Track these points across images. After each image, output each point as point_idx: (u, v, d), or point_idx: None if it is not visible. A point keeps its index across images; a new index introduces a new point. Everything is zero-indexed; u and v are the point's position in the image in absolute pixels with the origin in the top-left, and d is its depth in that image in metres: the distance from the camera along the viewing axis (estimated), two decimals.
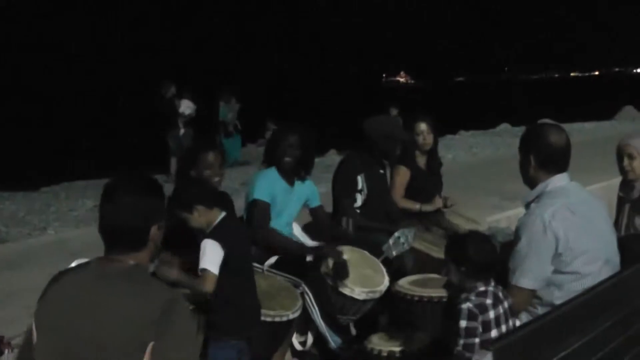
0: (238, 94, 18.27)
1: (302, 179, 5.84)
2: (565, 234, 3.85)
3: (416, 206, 6.61)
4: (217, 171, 5.23)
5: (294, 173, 5.74)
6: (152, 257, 3.04)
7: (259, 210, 5.50)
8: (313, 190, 5.98)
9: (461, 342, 3.65)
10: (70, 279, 2.89)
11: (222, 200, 5.19)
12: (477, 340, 3.60)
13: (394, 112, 18.50)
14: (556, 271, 3.90)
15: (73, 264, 4.41)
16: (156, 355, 2.68)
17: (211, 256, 4.24)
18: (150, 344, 2.67)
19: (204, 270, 4.22)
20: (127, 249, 2.86)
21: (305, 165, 5.82)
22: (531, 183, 4.16)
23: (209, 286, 4.20)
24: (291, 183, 5.73)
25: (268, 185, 5.58)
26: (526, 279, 3.91)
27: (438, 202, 6.70)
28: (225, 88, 18.31)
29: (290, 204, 5.75)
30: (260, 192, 5.53)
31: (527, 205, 4.13)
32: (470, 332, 3.63)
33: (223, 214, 4.47)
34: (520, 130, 19.08)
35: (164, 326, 2.69)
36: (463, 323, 3.65)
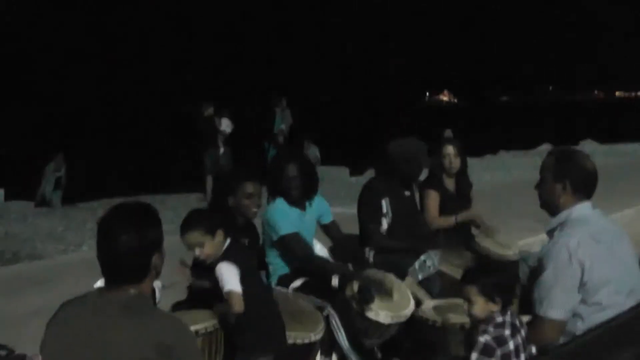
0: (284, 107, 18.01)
1: (311, 200, 5.82)
2: (590, 264, 3.78)
3: (451, 219, 6.58)
4: (256, 201, 5.26)
5: (302, 199, 5.73)
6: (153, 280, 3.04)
7: (295, 243, 5.48)
8: (324, 207, 5.99)
9: None
10: (73, 310, 2.91)
11: (249, 232, 5.22)
12: None
13: (448, 133, 18.42)
14: (580, 302, 3.83)
15: (98, 283, 4.46)
16: None
17: (229, 276, 4.25)
18: None
19: (229, 292, 4.22)
20: (130, 281, 2.87)
21: (311, 189, 5.82)
22: (555, 209, 4.10)
23: (237, 306, 4.20)
24: (303, 208, 5.73)
25: (285, 217, 5.55)
26: (554, 309, 3.83)
27: (472, 211, 6.68)
28: (279, 94, 18.20)
29: (306, 226, 5.73)
30: (285, 227, 5.50)
31: (550, 233, 4.07)
32: None
33: (229, 239, 4.49)
34: None
35: (171, 357, 2.70)
36: (474, 356, 3.60)
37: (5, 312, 6.93)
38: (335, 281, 5.51)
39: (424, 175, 7.04)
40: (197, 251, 4.37)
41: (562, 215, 4.03)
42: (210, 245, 4.38)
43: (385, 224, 6.14)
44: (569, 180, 4.04)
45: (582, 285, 3.79)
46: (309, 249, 5.56)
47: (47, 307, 5.77)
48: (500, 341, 3.63)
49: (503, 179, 16.55)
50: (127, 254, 2.82)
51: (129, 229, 2.84)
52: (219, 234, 4.41)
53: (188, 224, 4.42)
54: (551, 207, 4.13)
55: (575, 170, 4.06)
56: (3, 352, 4.58)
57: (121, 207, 3.00)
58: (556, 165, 4.15)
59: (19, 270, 8.93)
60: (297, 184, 5.65)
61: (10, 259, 9.67)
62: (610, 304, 3.79)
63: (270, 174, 5.79)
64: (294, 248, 5.48)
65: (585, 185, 4.05)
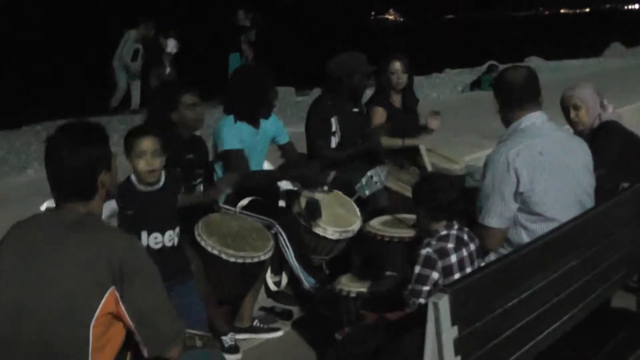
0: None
1: (265, 119, 5.71)
2: (528, 174, 3.85)
3: (398, 142, 6.60)
4: (199, 111, 5.19)
5: (257, 117, 5.62)
6: (105, 199, 3.02)
7: (235, 158, 5.41)
8: (278, 126, 5.91)
9: (410, 286, 3.67)
10: (23, 229, 2.90)
11: (194, 147, 5.16)
12: (425, 288, 3.61)
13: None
14: (522, 211, 3.91)
15: (44, 205, 4.39)
16: (126, 301, 2.73)
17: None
18: (111, 289, 2.70)
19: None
20: (77, 199, 2.87)
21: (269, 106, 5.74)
22: (506, 123, 4.18)
23: None
24: (257, 125, 5.63)
25: (235, 133, 5.46)
26: (491, 217, 3.94)
27: (420, 139, 6.69)
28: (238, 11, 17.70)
29: (258, 145, 5.67)
30: (230, 142, 5.43)
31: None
32: (420, 279, 3.63)
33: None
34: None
35: (124, 272, 2.72)
36: (417, 268, 3.65)
37: None
38: (282, 201, 5.53)
39: (370, 91, 7.04)
40: (151, 160, 4.23)
41: (513, 126, 4.09)
42: (160, 161, 4.31)
43: (334, 142, 6.13)
44: (497, 97, 4.18)
45: (518, 193, 3.87)
46: (248, 167, 5.49)
47: None
48: (442, 253, 3.68)
49: (450, 97, 16.60)
50: (71, 171, 2.82)
51: (73, 146, 2.84)
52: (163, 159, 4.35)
53: (148, 129, 4.34)
54: (502, 122, 4.21)
55: (501, 86, 4.17)
56: None
57: (68, 125, 2.99)
58: (493, 83, 4.37)
59: None
60: (275, 95, 5.74)
61: None
62: (554, 215, 3.85)
63: (242, 87, 5.61)
64: (234, 164, 5.42)
65: (510, 97, 4.10)
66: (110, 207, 4.08)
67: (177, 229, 4.39)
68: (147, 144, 4.23)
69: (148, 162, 4.23)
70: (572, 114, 5.43)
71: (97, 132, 2.98)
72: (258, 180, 5.48)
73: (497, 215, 3.92)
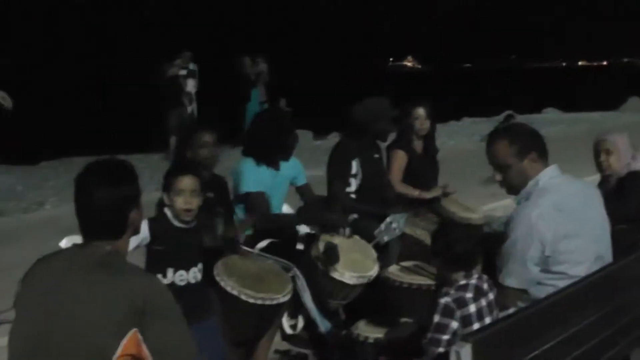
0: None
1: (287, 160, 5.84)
2: (552, 236, 3.80)
3: (415, 192, 6.60)
4: (212, 150, 5.25)
5: (277, 159, 5.74)
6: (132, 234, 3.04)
7: (256, 200, 5.51)
8: (298, 169, 6.03)
9: (429, 335, 3.64)
10: (47, 265, 2.89)
11: (215, 186, 5.20)
12: (444, 337, 3.59)
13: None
14: (544, 271, 3.86)
15: (64, 241, 4.42)
16: (150, 342, 2.72)
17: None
18: (133, 331, 2.68)
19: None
20: (106, 237, 2.86)
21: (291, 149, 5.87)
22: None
23: None
24: (277, 167, 5.72)
25: (255, 175, 5.58)
26: (511, 278, 3.90)
27: (436, 190, 6.68)
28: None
29: (278, 187, 5.76)
30: (250, 184, 5.53)
31: (519, 202, 4.08)
32: (439, 328, 3.61)
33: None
34: (524, 118, 19.07)
35: (147, 313, 2.71)
36: (436, 317, 3.63)
37: None
38: (300, 244, 5.54)
39: (392, 137, 7.06)
40: (189, 199, 4.28)
41: (531, 184, 4.01)
42: (198, 201, 4.34)
43: (354, 184, 6.16)
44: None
45: (544, 258, 3.82)
46: (269, 209, 5.58)
47: (13, 264, 5.75)
48: (461, 303, 3.66)
49: (467, 146, 16.61)
50: (103, 210, 2.82)
51: (104, 185, 2.84)
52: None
53: (194, 168, 4.45)
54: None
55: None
56: None
57: (97, 163, 2.98)
58: None
59: None
60: (295, 138, 5.83)
61: None
62: (577, 273, 3.79)
63: (265, 130, 5.76)
64: (255, 206, 5.50)
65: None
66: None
67: (200, 265, 4.40)
68: (187, 182, 4.29)
69: (186, 200, 4.27)
70: (603, 157, 5.42)
71: (127, 170, 2.99)
72: (278, 223, 5.55)
73: (516, 276, 3.89)
